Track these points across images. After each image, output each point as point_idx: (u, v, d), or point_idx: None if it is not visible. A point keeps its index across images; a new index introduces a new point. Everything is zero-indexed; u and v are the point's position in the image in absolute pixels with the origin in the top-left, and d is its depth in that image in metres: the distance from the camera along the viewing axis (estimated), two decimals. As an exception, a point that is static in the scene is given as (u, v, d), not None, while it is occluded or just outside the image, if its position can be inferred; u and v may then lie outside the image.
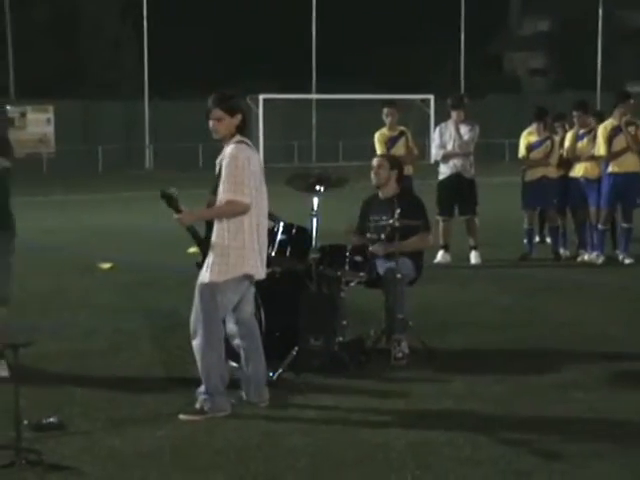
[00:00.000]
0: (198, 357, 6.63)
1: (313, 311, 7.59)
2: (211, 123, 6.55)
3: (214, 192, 6.54)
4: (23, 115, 38.29)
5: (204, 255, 6.64)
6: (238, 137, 6.56)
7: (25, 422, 5.89)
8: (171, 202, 6.54)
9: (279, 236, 7.85)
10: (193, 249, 12.84)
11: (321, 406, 6.80)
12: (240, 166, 6.43)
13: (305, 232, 7.85)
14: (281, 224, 7.92)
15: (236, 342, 6.89)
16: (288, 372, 7.42)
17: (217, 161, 6.61)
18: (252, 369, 6.84)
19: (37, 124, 38.22)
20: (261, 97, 38.86)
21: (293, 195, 8.47)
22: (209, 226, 6.63)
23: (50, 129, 38.44)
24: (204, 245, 6.64)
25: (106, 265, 12.95)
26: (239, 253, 6.53)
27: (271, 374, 7.37)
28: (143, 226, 18.52)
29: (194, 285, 6.70)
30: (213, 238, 6.56)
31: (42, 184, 30.37)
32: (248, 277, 6.64)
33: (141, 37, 40.75)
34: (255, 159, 6.58)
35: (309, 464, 5.68)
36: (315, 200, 7.61)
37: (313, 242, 7.63)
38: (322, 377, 7.43)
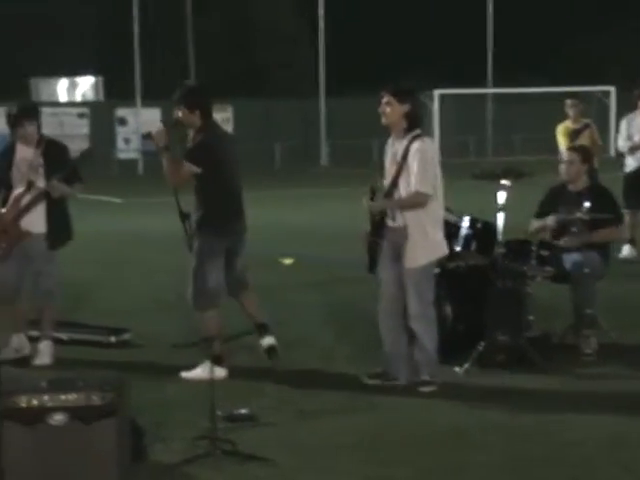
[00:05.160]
0: (424, 336, 7.03)
1: (499, 306, 7.52)
2: (381, 107, 7.02)
3: (394, 184, 6.95)
4: (203, 115, 39.27)
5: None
6: (417, 131, 6.97)
7: (218, 413, 6.04)
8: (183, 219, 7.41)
9: (464, 231, 7.84)
10: (288, 260, 12.96)
11: (509, 402, 6.73)
12: (428, 160, 6.92)
13: (490, 227, 7.80)
14: (466, 219, 7.89)
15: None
16: (475, 367, 7.39)
17: (390, 152, 7.08)
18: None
19: (216, 124, 39.21)
20: (436, 93, 38.69)
21: (477, 189, 8.41)
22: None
23: (229, 128, 39.30)
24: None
25: (288, 260, 13.14)
26: (436, 237, 7.05)
27: (457, 369, 7.38)
28: (319, 222, 18.70)
29: (371, 280, 7.11)
30: (412, 224, 6.95)
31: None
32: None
33: (316, 35, 41.21)
34: (437, 154, 7.10)
35: (499, 460, 5.63)
36: (501, 194, 7.55)
37: (499, 237, 7.57)
38: (509, 373, 7.36)
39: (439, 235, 7.10)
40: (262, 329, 7.82)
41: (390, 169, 7.10)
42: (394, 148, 7.09)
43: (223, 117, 39.68)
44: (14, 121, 7.88)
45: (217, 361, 6.95)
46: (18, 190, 7.88)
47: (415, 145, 6.91)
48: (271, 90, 44.01)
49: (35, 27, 42.02)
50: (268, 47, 48.88)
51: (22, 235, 7.85)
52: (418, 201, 6.93)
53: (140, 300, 10.68)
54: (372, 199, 7.10)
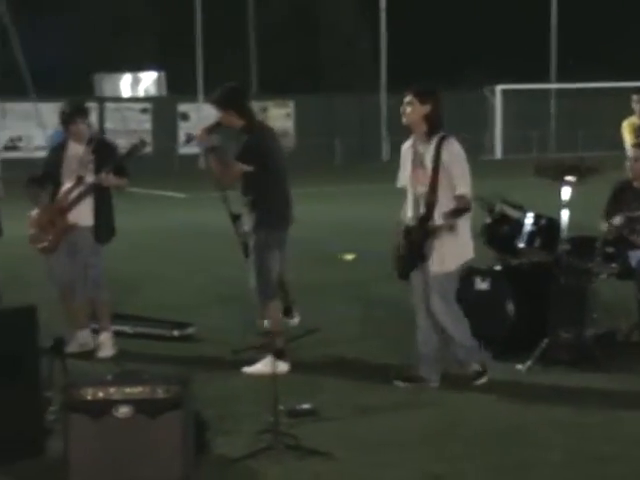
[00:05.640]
0: (455, 330, 7.03)
1: (563, 303, 7.47)
2: (402, 107, 6.98)
3: (433, 190, 6.84)
4: (264, 111, 39.40)
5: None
6: (442, 133, 6.91)
7: (280, 408, 6.06)
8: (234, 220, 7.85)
9: (528, 227, 7.80)
10: (349, 256, 12.92)
11: (572, 400, 6.69)
12: (464, 161, 6.91)
13: (555, 223, 7.74)
14: (530, 215, 7.85)
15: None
16: (537, 365, 7.34)
17: (411, 153, 7.00)
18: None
19: (278, 119, 39.27)
20: (498, 88, 38.45)
21: (540, 186, 8.34)
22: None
23: (290, 124, 39.40)
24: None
25: (349, 256, 13.15)
26: (466, 240, 6.96)
27: (520, 366, 7.33)
28: (380, 217, 18.61)
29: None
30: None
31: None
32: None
33: (377, 30, 41.13)
34: None
35: (564, 458, 5.60)
36: (565, 190, 7.48)
37: (563, 233, 7.52)
38: (572, 371, 7.30)
39: (468, 234, 7.00)
40: (289, 311, 8.23)
41: (415, 172, 6.97)
42: (416, 150, 6.99)
43: (284, 112, 39.87)
44: (67, 119, 8.03)
45: (279, 355, 6.98)
46: (67, 185, 8.00)
47: (448, 147, 6.85)
48: (332, 86, 44.02)
49: (99, 23, 42.46)
50: (329, 42, 48.91)
51: (68, 227, 7.96)
52: (465, 204, 6.86)
53: (203, 294, 10.75)
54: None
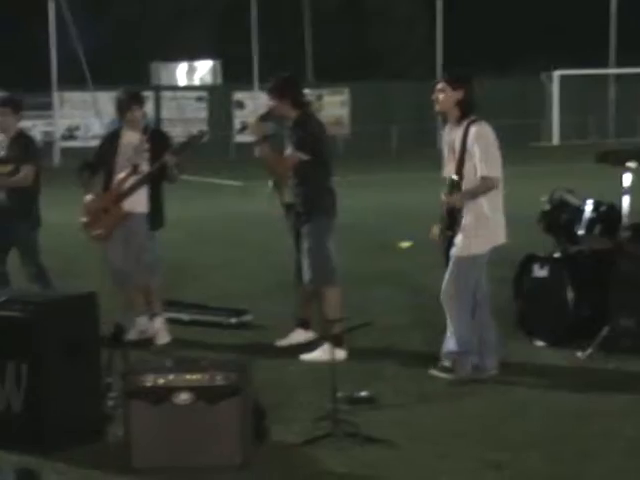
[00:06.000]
0: (452, 319, 6.93)
1: (623, 290, 7.38)
2: (434, 94, 6.93)
3: (459, 173, 6.83)
4: (319, 98, 39.39)
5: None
6: (473, 117, 6.86)
7: (338, 395, 6.03)
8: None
9: (588, 214, 7.72)
10: (406, 243, 12.83)
11: (634, 388, 6.62)
12: (490, 143, 6.80)
13: (615, 210, 7.65)
14: (590, 202, 7.77)
15: None
16: (598, 353, 7.26)
17: (447, 140, 7.00)
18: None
19: (332, 107, 39.25)
20: (556, 74, 38.06)
21: (600, 172, 8.26)
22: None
23: (345, 111, 39.35)
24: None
25: (405, 244, 13.10)
26: (497, 223, 6.87)
27: (580, 354, 7.26)
28: (435, 205, 18.51)
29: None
30: (470, 206, 6.81)
31: (338, 165, 30.85)
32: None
33: (433, 17, 40.93)
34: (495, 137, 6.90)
35: (626, 446, 5.54)
36: (626, 177, 7.39)
37: (624, 220, 7.42)
38: (633, 358, 7.22)
39: (499, 219, 6.91)
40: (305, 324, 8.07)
41: (448, 158, 7.01)
42: (450, 136, 6.99)
43: (339, 100, 39.81)
44: (123, 106, 8.07)
45: (337, 343, 6.97)
46: (122, 173, 8.04)
47: (473, 130, 6.79)
48: (387, 72, 43.89)
49: (155, 13, 42.73)
50: (385, 29, 48.72)
51: (123, 216, 7.99)
52: (488, 186, 6.76)
53: (259, 282, 10.77)
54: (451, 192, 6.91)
